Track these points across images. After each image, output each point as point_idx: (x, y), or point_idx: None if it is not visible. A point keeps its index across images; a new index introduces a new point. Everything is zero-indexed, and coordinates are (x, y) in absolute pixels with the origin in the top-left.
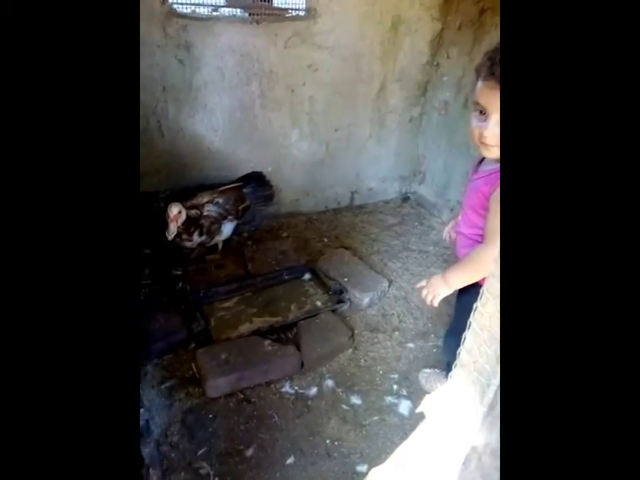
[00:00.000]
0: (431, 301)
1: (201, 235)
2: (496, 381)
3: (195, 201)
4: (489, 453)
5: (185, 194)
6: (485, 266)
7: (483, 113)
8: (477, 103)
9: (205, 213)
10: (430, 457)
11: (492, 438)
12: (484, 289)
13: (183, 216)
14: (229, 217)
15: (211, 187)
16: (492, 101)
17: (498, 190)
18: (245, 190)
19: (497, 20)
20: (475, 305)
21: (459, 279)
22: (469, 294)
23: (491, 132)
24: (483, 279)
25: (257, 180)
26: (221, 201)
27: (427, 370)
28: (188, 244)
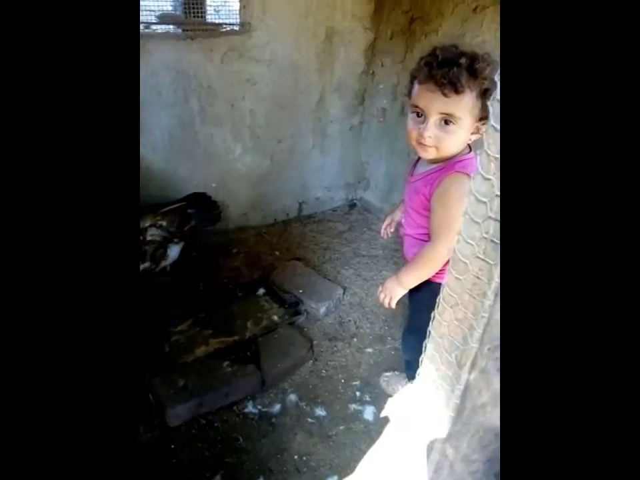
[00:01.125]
0: (389, 303)
1: (144, 261)
2: (460, 386)
3: None
4: (460, 459)
5: None
6: (434, 263)
7: (420, 115)
8: (416, 106)
9: (148, 238)
10: (398, 461)
11: (462, 444)
12: (439, 299)
13: None
14: (175, 240)
15: (151, 208)
16: (431, 103)
17: (438, 189)
18: (189, 210)
19: (427, 28)
20: (432, 314)
21: (412, 278)
22: (420, 291)
23: (429, 132)
24: (434, 276)
25: (202, 201)
26: (164, 223)
27: (387, 373)
28: None
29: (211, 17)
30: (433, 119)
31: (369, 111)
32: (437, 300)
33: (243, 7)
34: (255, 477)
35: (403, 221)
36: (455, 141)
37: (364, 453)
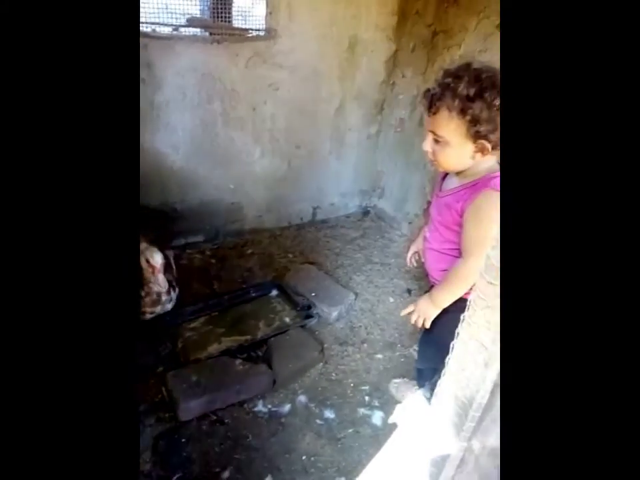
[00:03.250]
0: (422, 324)
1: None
2: (485, 386)
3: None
4: (486, 454)
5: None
6: (467, 280)
7: (438, 141)
8: (433, 132)
9: None
10: (404, 466)
11: (489, 439)
12: (470, 301)
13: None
14: None
15: None
16: (425, 121)
17: (472, 206)
18: None
19: (449, 42)
20: (462, 316)
21: (446, 297)
22: (449, 306)
23: (426, 147)
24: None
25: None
26: None
27: (397, 380)
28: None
29: (237, 22)
30: (429, 135)
31: (387, 120)
32: (467, 304)
33: (269, 14)
34: (263, 474)
35: (427, 235)
36: (447, 157)
37: (371, 456)
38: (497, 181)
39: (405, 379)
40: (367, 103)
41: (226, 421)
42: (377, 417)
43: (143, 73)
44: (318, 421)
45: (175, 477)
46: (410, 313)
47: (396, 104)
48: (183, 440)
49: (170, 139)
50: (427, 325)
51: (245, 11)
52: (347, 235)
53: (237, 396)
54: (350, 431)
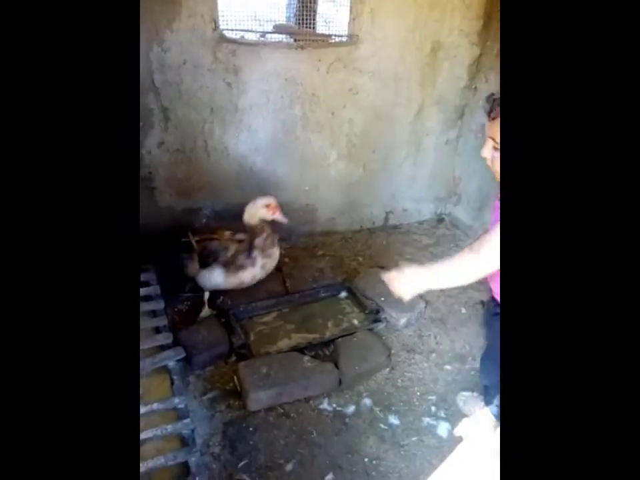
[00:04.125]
0: (402, 294)
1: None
2: None
3: None
4: None
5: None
6: (471, 274)
7: (497, 148)
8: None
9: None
10: None
11: None
12: None
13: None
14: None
15: None
16: (487, 126)
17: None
18: None
19: None
20: None
21: (443, 279)
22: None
23: (484, 153)
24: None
25: None
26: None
27: (465, 393)
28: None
29: (321, 29)
30: (488, 142)
31: (467, 125)
32: None
33: (352, 20)
34: (325, 471)
35: None
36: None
37: (434, 467)
38: None
39: (475, 393)
40: (448, 108)
41: (292, 415)
42: (442, 428)
43: (229, 78)
44: (382, 425)
45: (241, 463)
46: (393, 277)
47: (478, 109)
48: (251, 429)
49: (252, 141)
50: (407, 298)
51: (329, 18)
52: (419, 241)
53: (304, 392)
54: (414, 439)
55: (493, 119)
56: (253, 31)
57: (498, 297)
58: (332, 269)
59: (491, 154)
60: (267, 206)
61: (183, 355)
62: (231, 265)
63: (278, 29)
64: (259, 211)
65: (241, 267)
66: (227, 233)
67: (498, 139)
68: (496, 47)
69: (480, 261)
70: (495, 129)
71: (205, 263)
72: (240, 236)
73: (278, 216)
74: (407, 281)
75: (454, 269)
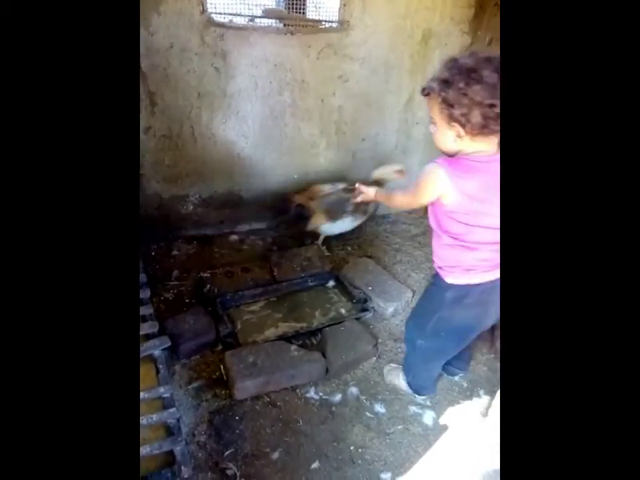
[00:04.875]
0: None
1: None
2: None
3: None
4: None
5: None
6: (399, 204)
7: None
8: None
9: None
10: (454, 473)
11: None
12: None
13: None
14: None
15: None
16: (435, 114)
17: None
18: None
19: None
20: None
21: (383, 199)
22: (431, 284)
23: (434, 139)
24: (444, 273)
25: None
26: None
27: (393, 364)
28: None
29: (311, 14)
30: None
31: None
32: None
33: (343, 5)
34: (311, 460)
35: None
36: (435, 139)
37: (420, 455)
38: (447, 159)
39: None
40: None
41: (278, 403)
42: (428, 417)
43: (217, 63)
44: (368, 414)
45: (227, 452)
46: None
47: None
48: (237, 418)
49: (240, 127)
50: (357, 199)
51: (319, 3)
52: (407, 231)
53: (291, 380)
54: (399, 427)
55: (425, 96)
56: (242, 15)
57: (435, 265)
58: (320, 258)
59: (432, 129)
60: (399, 171)
61: (169, 343)
62: (357, 212)
63: (267, 13)
64: (389, 174)
65: (363, 213)
66: (326, 187)
67: (430, 114)
68: (487, 36)
69: (407, 198)
70: (428, 106)
71: (335, 215)
72: (338, 185)
73: (401, 180)
74: (365, 193)
75: (397, 200)
